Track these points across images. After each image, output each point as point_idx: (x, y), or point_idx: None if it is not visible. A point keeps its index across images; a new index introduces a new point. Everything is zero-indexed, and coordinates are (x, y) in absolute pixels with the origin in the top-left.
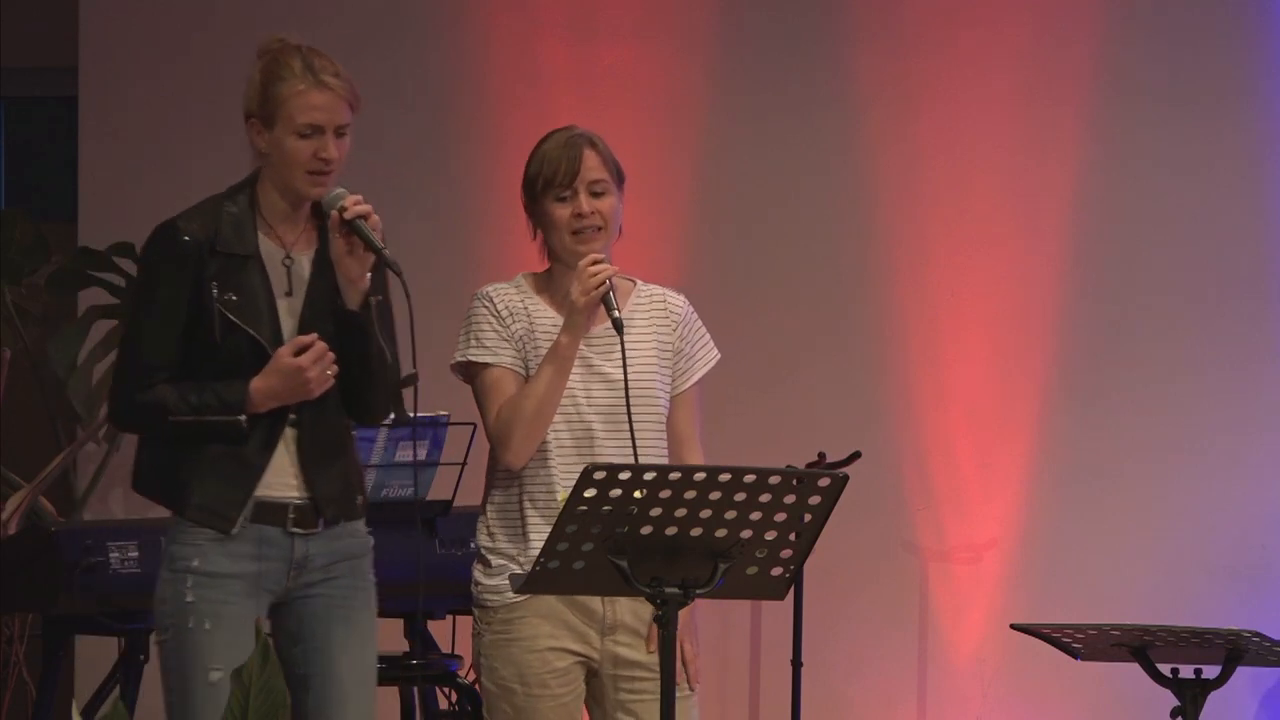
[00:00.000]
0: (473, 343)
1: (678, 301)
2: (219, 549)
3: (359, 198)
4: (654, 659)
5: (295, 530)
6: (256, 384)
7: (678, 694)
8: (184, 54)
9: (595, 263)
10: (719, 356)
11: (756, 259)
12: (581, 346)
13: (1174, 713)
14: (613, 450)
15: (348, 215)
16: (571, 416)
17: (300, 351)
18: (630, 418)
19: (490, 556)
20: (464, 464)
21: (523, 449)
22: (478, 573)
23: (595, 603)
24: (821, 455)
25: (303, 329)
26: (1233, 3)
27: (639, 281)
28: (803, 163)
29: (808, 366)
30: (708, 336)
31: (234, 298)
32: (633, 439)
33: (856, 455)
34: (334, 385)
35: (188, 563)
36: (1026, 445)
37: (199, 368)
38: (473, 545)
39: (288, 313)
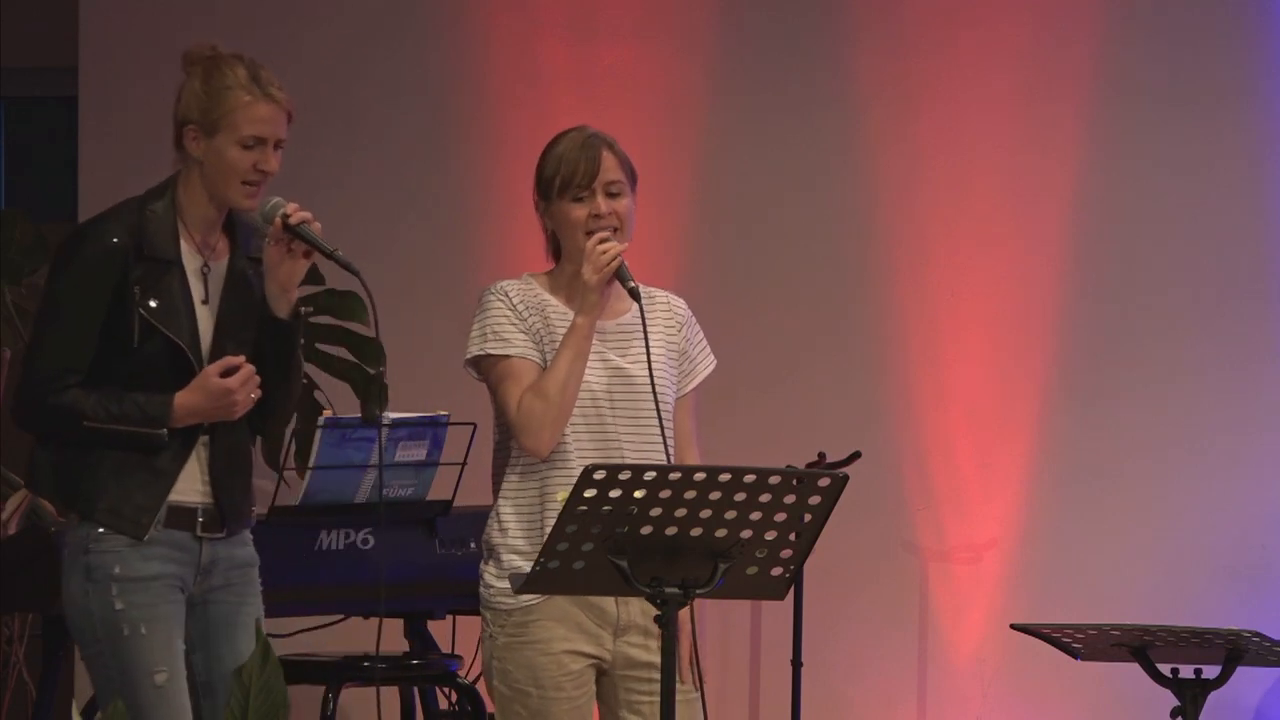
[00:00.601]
0: (489, 336)
1: (680, 304)
2: (135, 553)
3: (297, 205)
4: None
5: (203, 535)
6: (181, 399)
7: (685, 694)
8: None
9: (603, 241)
10: (715, 363)
11: (756, 259)
12: (598, 342)
13: (1174, 713)
14: (631, 443)
15: (293, 221)
16: (589, 411)
17: (228, 372)
18: (655, 395)
19: (502, 553)
20: (464, 464)
21: (548, 435)
22: (488, 574)
23: (608, 604)
24: (821, 455)
25: (218, 337)
26: (1233, 3)
27: (640, 285)
28: (803, 163)
29: (808, 366)
30: (706, 342)
31: (154, 303)
32: (660, 421)
33: (856, 455)
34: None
35: (109, 570)
36: (1026, 445)
37: (113, 372)
38: (473, 544)
39: (204, 320)
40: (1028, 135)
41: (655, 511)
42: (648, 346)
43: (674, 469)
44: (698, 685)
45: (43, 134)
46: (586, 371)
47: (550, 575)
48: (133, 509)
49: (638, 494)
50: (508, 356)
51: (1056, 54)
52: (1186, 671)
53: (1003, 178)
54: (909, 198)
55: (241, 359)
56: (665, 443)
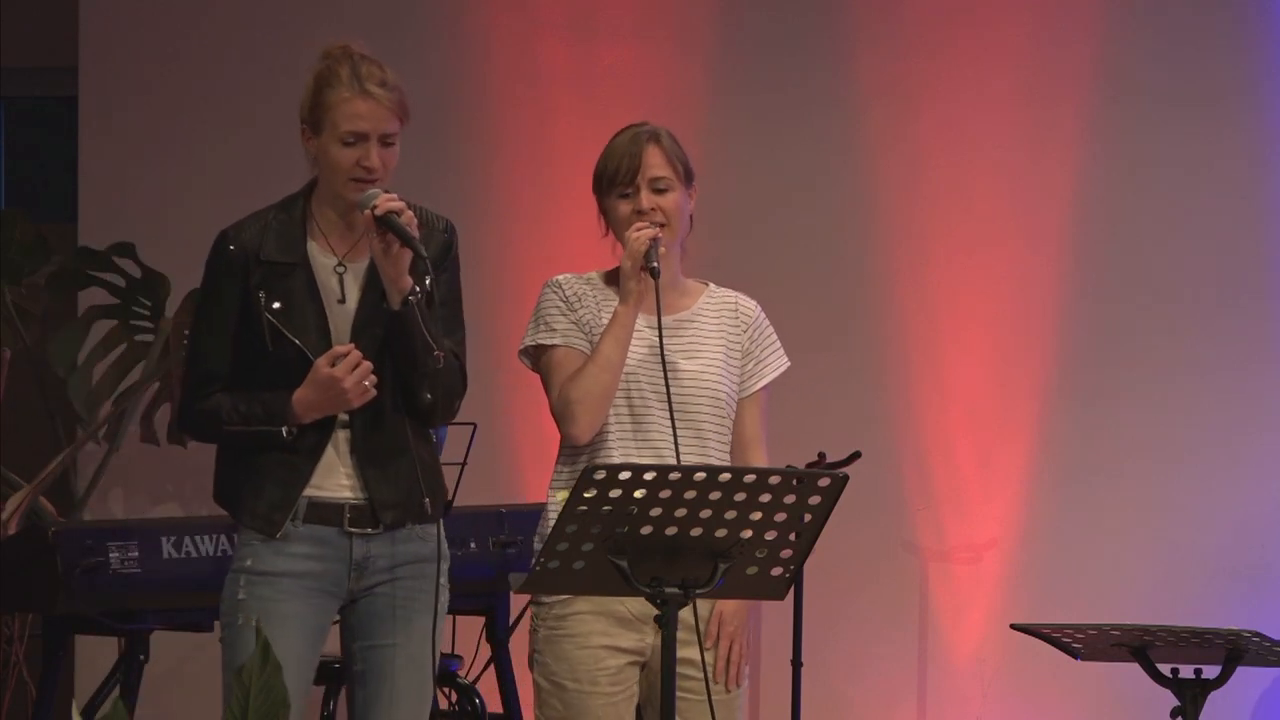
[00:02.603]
0: (541, 327)
1: (749, 305)
2: (271, 548)
3: (392, 196)
4: (707, 656)
5: (353, 530)
6: (298, 394)
7: (726, 695)
8: (184, 54)
9: (640, 230)
10: (788, 364)
11: (756, 259)
12: (651, 335)
13: (1174, 713)
14: (668, 438)
15: (378, 212)
16: (635, 401)
17: (336, 361)
18: (669, 390)
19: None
20: (464, 464)
21: (586, 421)
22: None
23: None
24: (821, 455)
25: (354, 336)
26: (1233, 3)
27: (711, 284)
28: (803, 163)
29: (808, 366)
30: (778, 343)
31: (280, 305)
32: (671, 417)
33: (856, 455)
34: (390, 391)
35: (242, 562)
36: (1026, 445)
37: (255, 376)
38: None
39: (340, 319)
40: (1028, 135)
41: (655, 511)
42: (660, 335)
43: (674, 469)
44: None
45: (43, 134)
46: (635, 363)
47: (550, 575)
48: (266, 507)
49: (638, 494)
50: (555, 346)
51: (1056, 54)
52: (1186, 671)
53: (1003, 178)
54: (909, 198)
55: (349, 347)
56: (675, 438)
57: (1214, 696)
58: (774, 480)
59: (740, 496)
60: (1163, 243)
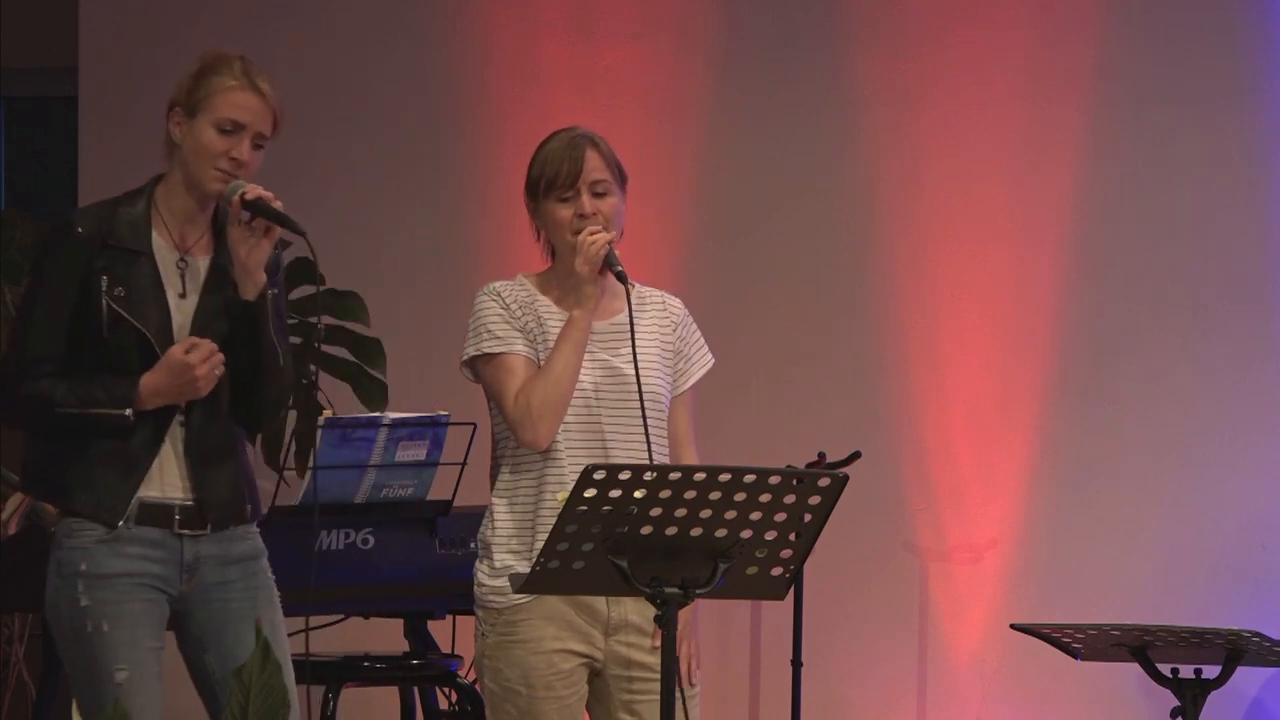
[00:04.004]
0: (484, 335)
1: (675, 303)
2: (106, 550)
3: (258, 186)
4: (655, 658)
5: (183, 532)
6: (146, 379)
7: (682, 693)
8: (184, 54)
9: (595, 234)
10: (713, 361)
11: (756, 259)
12: (590, 340)
13: (1174, 713)
14: (620, 442)
15: (249, 196)
16: (580, 409)
17: (191, 351)
18: (641, 392)
19: (494, 552)
20: (464, 464)
21: (546, 427)
22: (481, 573)
23: (599, 602)
24: (821, 455)
25: (195, 330)
26: (1232, 3)
27: (636, 284)
28: (803, 163)
29: (808, 366)
30: (703, 341)
31: (122, 292)
32: (644, 420)
33: (856, 455)
34: (226, 391)
35: (76, 566)
36: (1026, 445)
37: (87, 362)
38: (473, 544)
39: (180, 313)
40: (1028, 135)
41: (655, 511)
42: (633, 341)
43: (674, 469)
44: (686, 683)
45: (43, 134)
46: (581, 370)
47: (550, 575)
48: (108, 497)
49: (638, 494)
50: (503, 354)
51: (1056, 54)
52: (1186, 671)
53: (1003, 178)
54: (909, 198)
55: (206, 341)
56: (649, 442)
57: (1214, 696)
58: (774, 480)
59: (740, 496)
60: (1163, 243)
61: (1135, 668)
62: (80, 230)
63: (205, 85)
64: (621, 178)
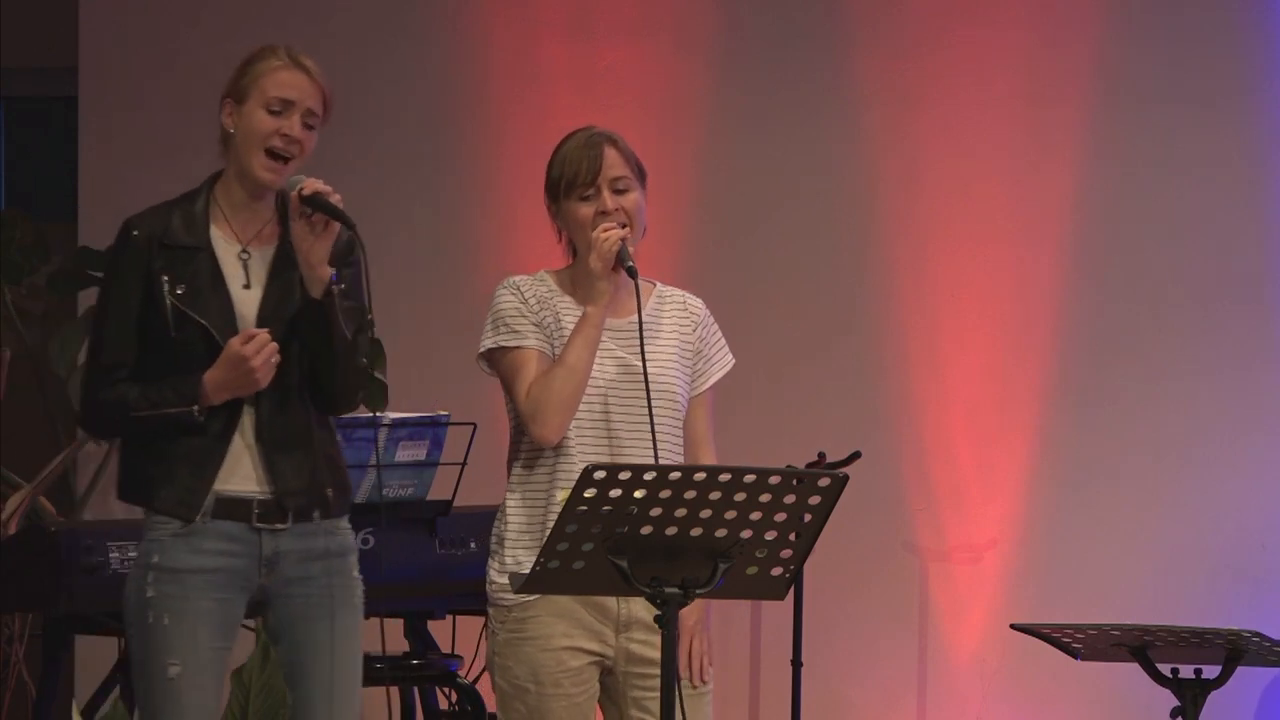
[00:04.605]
0: (501, 329)
1: (697, 304)
2: (181, 544)
3: (317, 180)
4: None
5: (261, 526)
6: (209, 374)
7: (693, 691)
8: (184, 54)
9: (609, 230)
10: (734, 362)
11: (756, 259)
12: (607, 338)
13: (1174, 713)
14: (633, 440)
15: (305, 192)
16: (595, 406)
17: (247, 342)
18: (649, 395)
19: (505, 548)
20: (464, 464)
21: (556, 422)
22: (492, 570)
23: (610, 600)
24: (821, 455)
25: (261, 319)
26: (1232, 3)
27: (659, 284)
28: (803, 163)
29: (808, 366)
30: (724, 341)
31: (183, 289)
32: (651, 420)
33: (856, 455)
34: (295, 378)
35: (149, 558)
36: (1026, 445)
37: (159, 363)
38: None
39: (245, 304)
40: (1028, 135)
41: (655, 511)
42: (641, 337)
43: (674, 469)
44: (696, 682)
45: (43, 134)
46: (594, 367)
47: (550, 575)
48: (185, 492)
49: (638, 494)
50: (518, 348)
51: (1056, 54)
52: (1186, 671)
53: (1003, 178)
54: (909, 198)
55: (261, 331)
56: (654, 440)
57: (1214, 696)
58: (774, 480)
59: (740, 496)
60: (1163, 243)
61: (1135, 668)
62: (136, 234)
63: (251, 71)
64: (641, 174)
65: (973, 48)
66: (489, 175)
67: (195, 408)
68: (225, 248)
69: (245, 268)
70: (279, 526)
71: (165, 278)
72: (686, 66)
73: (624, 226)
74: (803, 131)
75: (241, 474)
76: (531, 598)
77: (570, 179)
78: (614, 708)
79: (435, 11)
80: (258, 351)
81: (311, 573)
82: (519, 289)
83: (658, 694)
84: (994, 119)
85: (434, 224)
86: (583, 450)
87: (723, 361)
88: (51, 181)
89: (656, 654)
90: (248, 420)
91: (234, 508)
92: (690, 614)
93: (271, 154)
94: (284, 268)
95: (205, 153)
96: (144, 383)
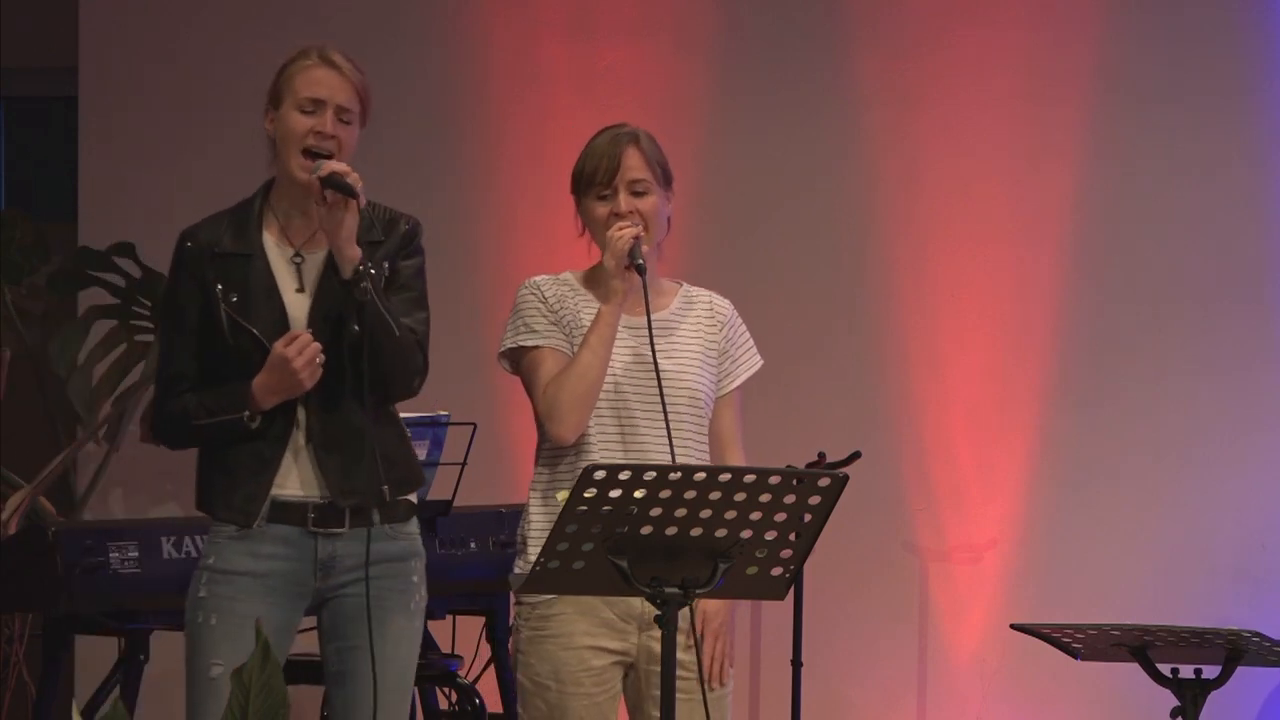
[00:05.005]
0: (521, 329)
1: (724, 304)
2: (238, 547)
3: (337, 163)
4: (691, 656)
5: (317, 530)
6: (257, 379)
7: (710, 693)
8: (184, 54)
9: (623, 230)
10: (761, 363)
11: (756, 259)
12: (630, 336)
13: (1174, 713)
14: (653, 439)
15: (323, 173)
16: (616, 404)
17: (290, 344)
18: (661, 392)
19: (529, 546)
20: (464, 464)
21: (573, 421)
22: (517, 568)
23: (634, 598)
24: (821, 455)
25: (314, 322)
26: (1233, 3)
27: (685, 284)
28: (803, 163)
29: (808, 366)
30: (752, 342)
31: (236, 297)
32: (665, 419)
33: (856, 455)
34: (350, 378)
35: (206, 559)
36: (1026, 445)
37: (222, 371)
38: (473, 544)
39: (298, 308)
40: (1028, 135)
41: (655, 511)
42: (650, 334)
43: (674, 469)
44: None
45: (43, 134)
46: (617, 365)
47: (550, 575)
48: (241, 498)
49: (638, 494)
50: (537, 347)
51: (1057, 54)
52: (1186, 671)
53: (1003, 178)
54: (909, 198)
55: (303, 332)
56: (670, 439)
57: (1214, 696)
58: (774, 480)
59: (740, 496)
60: (1163, 243)
61: (1135, 668)
62: (189, 245)
63: (285, 74)
64: (665, 177)
65: (973, 48)
66: (489, 175)
67: (246, 413)
68: (278, 253)
69: (299, 272)
70: (336, 530)
71: (219, 287)
72: (686, 66)
73: (641, 228)
74: (803, 131)
75: (298, 478)
76: (554, 596)
77: (590, 177)
78: (634, 705)
79: (435, 11)
80: (300, 353)
81: (371, 575)
82: (539, 288)
83: (682, 695)
84: (994, 119)
85: (434, 224)
86: (603, 449)
87: (750, 362)
88: (51, 181)
89: (678, 653)
90: (303, 424)
91: (289, 512)
92: (715, 616)
93: (309, 153)
94: (336, 270)
95: (206, 153)
96: (204, 391)
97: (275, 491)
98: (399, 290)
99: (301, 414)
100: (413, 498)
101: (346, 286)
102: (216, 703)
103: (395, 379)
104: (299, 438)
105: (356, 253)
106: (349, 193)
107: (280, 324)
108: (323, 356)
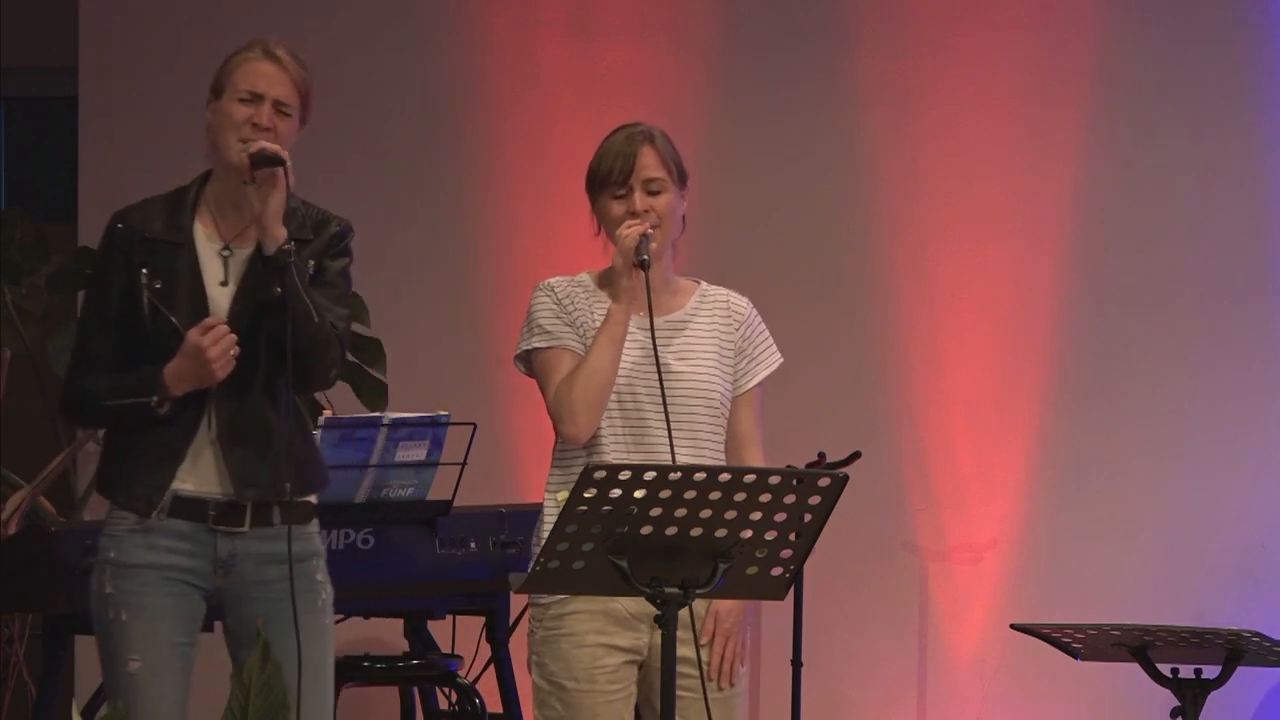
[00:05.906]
0: (535, 331)
1: (741, 303)
2: (137, 540)
3: (264, 142)
4: (703, 654)
5: (218, 528)
6: (169, 366)
7: (719, 693)
8: (184, 54)
9: (631, 228)
10: (781, 361)
11: (756, 259)
12: (644, 336)
13: (1174, 713)
14: (664, 439)
15: (252, 150)
16: (627, 403)
17: (206, 333)
18: (663, 390)
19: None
20: (464, 464)
21: (584, 421)
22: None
23: None
24: (821, 455)
25: (231, 317)
26: (1233, 3)
27: (703, 283)
28: (803, 163)
29: (808, 366)
30: (771, 340)
31: (161, 285)
32: (666, 417)
33: (856, 455)
34: (263, 374)
35: (106, 554)
36: (1026, 445)
37: (137, 355)
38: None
39: (220, 302)
40: (1028, 135)
41: (655, 511)
42: (653, 333)
43: (674, 469)
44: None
45: (43, 134)
46: (629, 365)
47: (550, 575)
48: (144, 487)
49: (638, 494)
50: (549, 348)
51: (1057, 54)
52: (1186, 671)
53: (1003, 178)
54: (909, 198)
55: (219, 322)
56: (670, 437)
57: (1214, 696)
58: (774, 480)
59: (740, 496)
60: (1163, 243)
61: (1135, 668)
62: (120, 227)
63: (227, 66)
64: (680, 175)
65: (973, 48)
66: (489, 175)
67: (155, 398)
68: (207, 244)
69: (225, 265)
70: (237, 530)
71: (144, 271)
72: (686, 66)
73: (655, 228)
74: (803, 131)
75: (201, 473)
76: (567, 595)
77: (605, 176)
78: (645, 702)
79: (435, 11)
80: (215, 343)
81: (270, 576)
82: (552, 290)
83: (687, 692)
84: (994, 119)
85: (433, 224)
86: (615, 449)
87: (768, 360)
88: (51, 181)
89: (688, 652)
90: (212, 417)
91: (190, 508)
92: (727, 616)
93: (244, 143)
94: (263, 261)
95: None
96: (115, 373)
97: (177, 485)
98: (323, 287)
99: (212, 406)
100: (313, 499)
101: (268, 264)
102: (137, 698)
103: (312, 364)
104: (207, 430)
105: (282, 233)
106: (276, 161)
107: (201, 314)
108: (237, 349)
